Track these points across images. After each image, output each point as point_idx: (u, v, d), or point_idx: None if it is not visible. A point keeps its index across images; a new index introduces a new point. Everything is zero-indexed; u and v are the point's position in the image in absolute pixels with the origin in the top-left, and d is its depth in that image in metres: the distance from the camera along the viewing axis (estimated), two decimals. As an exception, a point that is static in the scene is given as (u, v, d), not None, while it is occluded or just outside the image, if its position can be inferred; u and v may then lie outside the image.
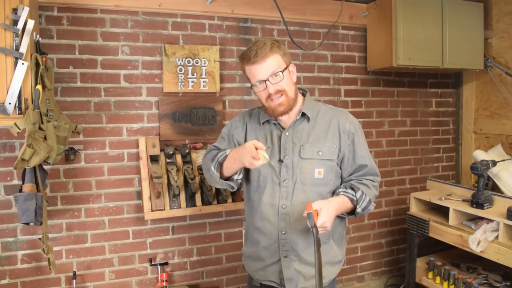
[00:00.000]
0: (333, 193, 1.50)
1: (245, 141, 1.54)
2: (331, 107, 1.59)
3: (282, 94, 1.42)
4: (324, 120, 1.52)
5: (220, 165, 1.50)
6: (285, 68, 1.44)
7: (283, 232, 1.46)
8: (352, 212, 1.49)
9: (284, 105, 1.43)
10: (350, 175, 1.53)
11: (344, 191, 1.45)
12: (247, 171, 1.55)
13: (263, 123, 1.55)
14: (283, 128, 1.51)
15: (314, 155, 1.46)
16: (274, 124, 1.53)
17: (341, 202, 1.43)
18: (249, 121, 1.60)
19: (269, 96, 1.42)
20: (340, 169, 1.52)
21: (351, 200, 1.44)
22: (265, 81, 1.40)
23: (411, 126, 3.20)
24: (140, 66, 2.39)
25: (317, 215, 1.30)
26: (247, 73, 1.45)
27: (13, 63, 1.67)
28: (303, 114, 1.51)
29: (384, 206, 3.13)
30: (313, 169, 1.45)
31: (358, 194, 1.44)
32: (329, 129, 1.50)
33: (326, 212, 1.32)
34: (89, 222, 2.32)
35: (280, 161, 1.47)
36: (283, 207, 1.45)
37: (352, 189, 1.46)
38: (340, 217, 1.53)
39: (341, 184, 1.53)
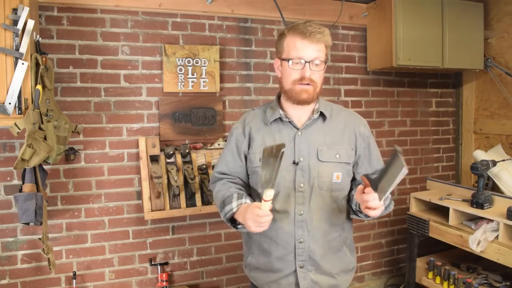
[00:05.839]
0: (348, 199, 1.43)
1: (249, 149, 1.43)
2: (341, 107, 1.50)
3: (311, 85, 1.32)
4: (338, 120, 1.43)
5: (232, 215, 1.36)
6: (325, 63, 1.35)
7: (300, 241, 1.36)
8: None
9: (309, 94, 1.32)
10: None
11: None
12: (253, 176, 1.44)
13: (270, 123, 1.41)
14: (296, 128, 1.39)
15: (333, 158, 1.37)
16: (284, 122, 1.40)
17: None
18: (251, 124, 1.45)
19: (301, 79, 1.31)
20: (352, 172, 1.44)
21: None
22: (307, 62, 1.30)
23: (411, 126, 3.20)
24: (140, 66, 2.39)
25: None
26: (289, 44, 1.32)
27: (13, 63, 1.67)
28: (321, 114, 1.40)
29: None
30: (332, 173, 1.36)
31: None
32: (345, 130, 1.41)
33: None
34: (89, 222, 2.32)
35: (295, 163, 1.36)
36: (300, 213, 1.35)
37: None
38: (350, 223, 1.49)
39: (351, 188, 1.44)
